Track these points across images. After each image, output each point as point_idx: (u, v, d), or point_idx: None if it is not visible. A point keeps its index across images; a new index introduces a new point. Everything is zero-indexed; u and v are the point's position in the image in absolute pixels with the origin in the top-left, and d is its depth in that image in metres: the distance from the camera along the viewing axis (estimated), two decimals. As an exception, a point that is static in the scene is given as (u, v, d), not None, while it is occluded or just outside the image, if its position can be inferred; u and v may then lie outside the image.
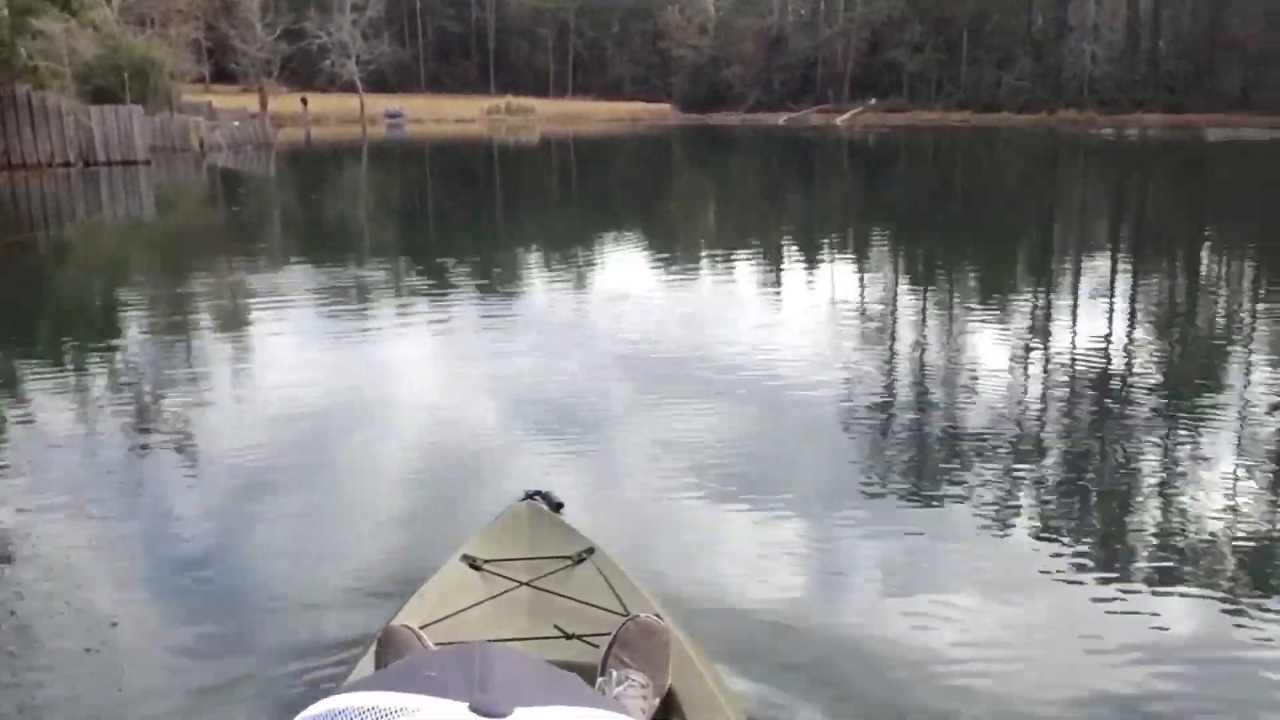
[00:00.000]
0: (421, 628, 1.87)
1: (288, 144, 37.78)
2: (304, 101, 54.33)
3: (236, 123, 34.56)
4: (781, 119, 63.59)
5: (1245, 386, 5.75)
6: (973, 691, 2.52)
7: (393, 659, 1.71)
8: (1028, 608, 2.99)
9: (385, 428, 4.78)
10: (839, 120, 60.35)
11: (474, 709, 0.45)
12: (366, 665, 1.87)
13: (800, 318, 7.87)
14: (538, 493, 2.51)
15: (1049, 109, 59.30)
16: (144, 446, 4.49)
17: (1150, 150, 36.33)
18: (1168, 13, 62.99)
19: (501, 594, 2.16)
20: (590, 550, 2.29)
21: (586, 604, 2.10)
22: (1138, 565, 3.32)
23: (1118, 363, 6.40)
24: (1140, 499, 3.96)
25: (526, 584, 2.20)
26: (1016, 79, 62.80)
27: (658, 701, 1.78)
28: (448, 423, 4.87)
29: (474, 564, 2.27)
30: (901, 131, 49.66)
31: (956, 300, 8.81)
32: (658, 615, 1.92)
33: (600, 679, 1.78)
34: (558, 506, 2.48)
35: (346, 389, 5.43)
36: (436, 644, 1.81)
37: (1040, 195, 21.23)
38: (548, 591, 2.17)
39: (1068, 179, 25.74)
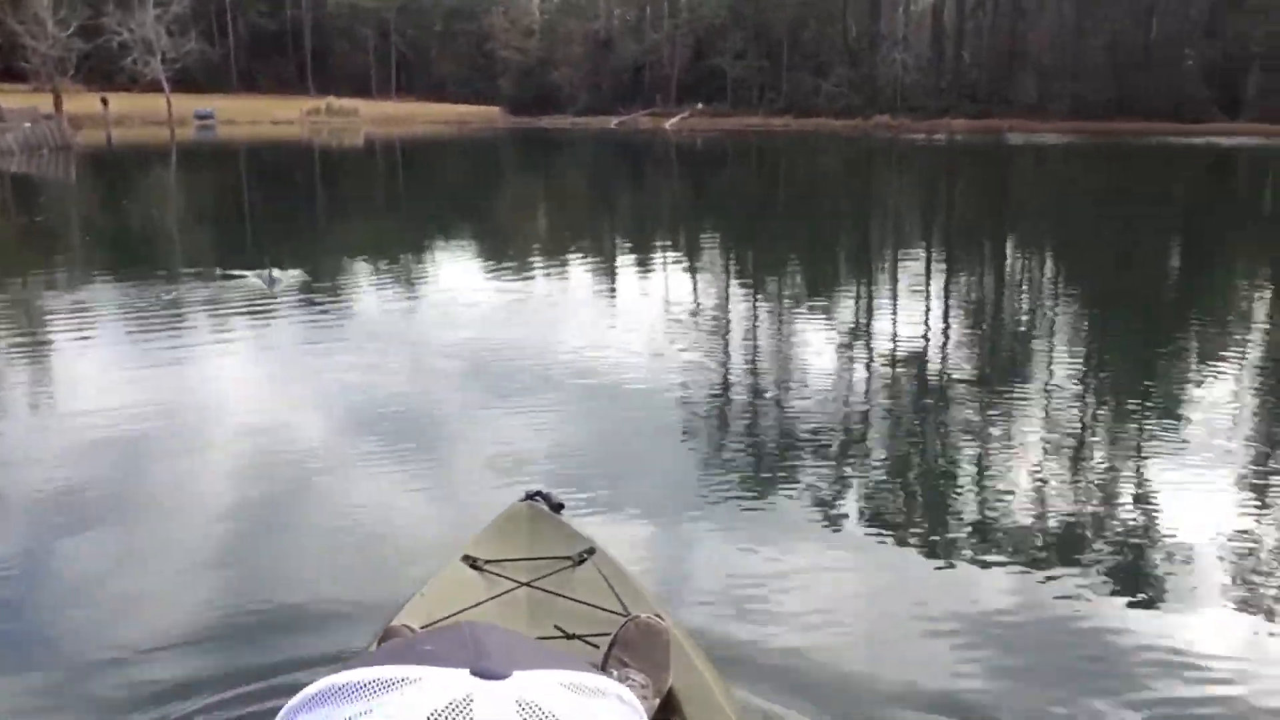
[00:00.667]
0: (422, 628, 1.81)
1: (88, 147, 35.29)
2: (104, 102, 50.92)
3: (28, 124, 32.02)
4: (613, 122, 64.02)
5: (1046, 372, 6.23)
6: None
7: None
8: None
9: (208, 450, 4.48)
10: (668, 124, 61.27)
11: (475, 673, 0.47)
12: None
13: (635, 318, 7.91)
14: (538, 493, 2.48)
15: (864, 115, 61.98)
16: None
17: (957, 154, 38.46)
18: (970, 25, 66.95)
19: (502, 594, 2.16)
20: (591, 550, 2.28)
21: (587, 604, 2.10)
22: (955, 537, 3.60)
23: (933, 354, 6.78)
24: (955, 479, 4.28)
25: (527, 584, 2.19)
26: (834, 86, 65.33)
27: (658, 702, 1.78)
28: (276, 443, 4.58)
29: (474, 564, 2.25)
30: (728, 136, 50.86)
31: (785, 296, 9.11)
32: (658, 615, 1.91)
33: None
34: (558, 507, 2.46)
35: (159, 410, 5.07)
36: None
37: (859, 197, 22.14)
38: (548, 592, 2.17)
39: (883, 181, 26.98)
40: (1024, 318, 8.52)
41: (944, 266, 11.39)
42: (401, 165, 31.99)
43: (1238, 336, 7.48)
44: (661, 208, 19.45)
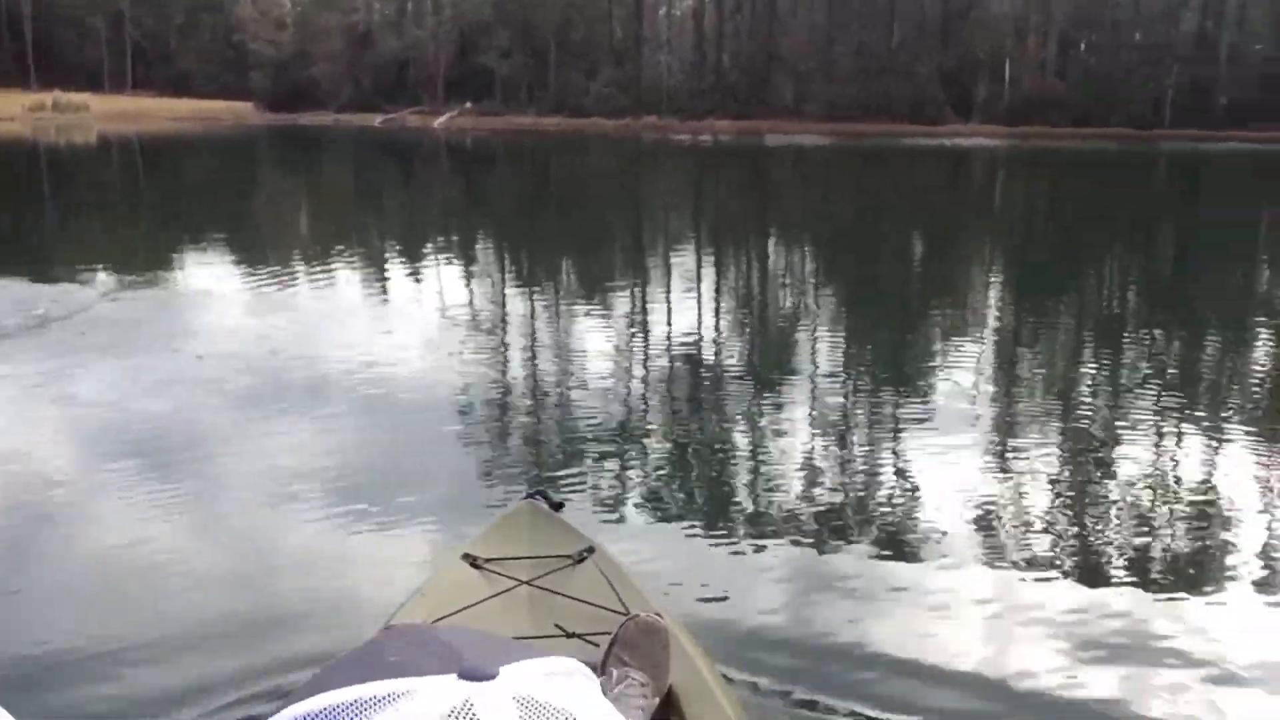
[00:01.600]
0: None
1: None
2: None
3: None
4: (378, 120, 61.85)
5: (812, 361, 6.57)
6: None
7: None
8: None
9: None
10: (436, 123, 59.89)
11: (463, 676, 0.44)
12: None
13: (406, 325, 7.63)
14: (538, 492, 2.49)
15: (633, 116, 62.93)
16: None
17: (720, 154, 39.70)
18: (729, 28, 69.40)
19: (502, 593, 2.16)
20: (591, 549, 2.29)
21: (587, 603, 2.11)
22: (733, 516, 3.86)
23: (706, 347, 6.99)
24: (732, 463, 4.52)
25: (527, 583, 2.20)
26: (603, 86, 65.99)
27: (657, 701, 1.78)
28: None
29: (474, 563, 2.25)
30: (498, 135, 50.30)
31: (559, 298, 9.07)
32: (658, 614, 1.92)
33: (600, 678, 1.70)
34: (558, 506, 2.46)
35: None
36: None
37: (629, 196, 22.44)
38: (548, 590, 2.17)
39: (652, 182, 27.47)
40: (784, 308, 9.05)
41: (712, 265, 11.98)
42: (143, 165, 29.50)
43: (976, 316, 8.41)
44: (432, 209, 18.86)
